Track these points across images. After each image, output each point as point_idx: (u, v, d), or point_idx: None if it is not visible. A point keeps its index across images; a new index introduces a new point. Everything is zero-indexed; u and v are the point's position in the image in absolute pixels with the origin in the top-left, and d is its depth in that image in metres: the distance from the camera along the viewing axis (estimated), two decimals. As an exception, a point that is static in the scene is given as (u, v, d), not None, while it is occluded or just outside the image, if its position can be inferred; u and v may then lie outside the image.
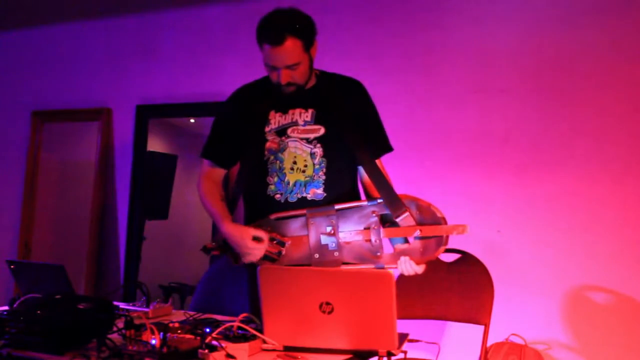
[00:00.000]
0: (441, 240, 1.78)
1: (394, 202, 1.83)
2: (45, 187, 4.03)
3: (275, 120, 1.99)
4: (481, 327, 2.35)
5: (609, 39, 2.73)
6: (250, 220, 2.00)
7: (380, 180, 1.89)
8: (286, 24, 1.84)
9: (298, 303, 1.53)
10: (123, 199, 3.77)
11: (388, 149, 2.06)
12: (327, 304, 1.50)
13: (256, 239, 1.85)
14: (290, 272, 1.65)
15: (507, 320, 2.73)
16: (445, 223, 1.77)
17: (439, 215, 1.78)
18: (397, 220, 1.82)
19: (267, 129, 1.99)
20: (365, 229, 1.84)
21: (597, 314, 2.70)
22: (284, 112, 1.99)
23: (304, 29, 1.87)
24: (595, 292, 2.71)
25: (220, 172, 2.11)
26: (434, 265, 2.52)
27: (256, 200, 2.02)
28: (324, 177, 1.95)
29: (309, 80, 1.98)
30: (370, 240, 1.83)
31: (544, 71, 2.83)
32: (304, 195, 1.94)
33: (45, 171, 4.04)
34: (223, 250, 1.96)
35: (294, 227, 1.90)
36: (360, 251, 1.84)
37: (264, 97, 2.01)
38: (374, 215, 1.84)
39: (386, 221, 1.87)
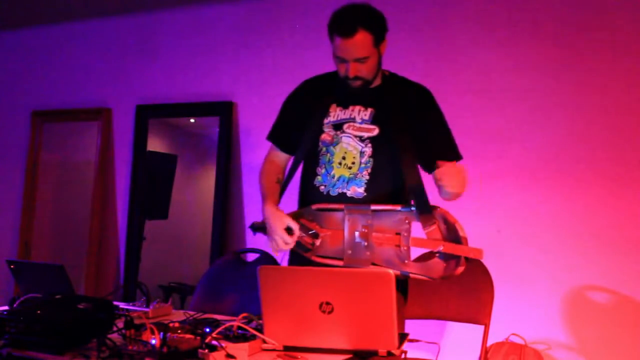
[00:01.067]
0: (459, 261, 1.78)
1: (425, 213, 1.84)
2: (45, 187, 4.03)
3: (335, 113, 2.02)
4: (481, 327, 2.35)
5: (610, 40, 2.73)
6: (299, 206, 2.06)
7: (416, 190, 1.87)
8: (358, 17, 1.86)
9: (298, 303, 1.52)
10: (123, 199, 3.77)
11: (449, 157, 1.95)
12: (327, 303, 1.50)
13: (288, 230, 1.89)
14: (290, 272, 1.65)
15: (507, 320, 2.72)
16: (466, 243, 1.78)
17: (460, 234, 1.78)
18: (425, 231, 1.83)
19: (325, 121, 2.02)
20: (396, 234, 1.85)
21: (597, 314, 2.70)
22: (345, 107, 2.01)
23: (375, 23, 1.89)
24: (595, 292, 2.71)
25: (282, 156, 2.15)
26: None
27: (305, 188, 2.06)
28: (367, 176, 1.96)
29: (375, 77, 1.99)
30: (399, 246, 1.84)
31: (544, 71, 2.82)
32: (344, 191, 1.96)
33: (45, 171, 4.03)
34: (265, 231, 2.00)
35: (334, 220, 1.91)
36: (389, 255, 1.85)
37: (329, 89, 2.03)
38: (407, 222, 1.85)
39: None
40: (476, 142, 2.92)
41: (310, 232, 1.93)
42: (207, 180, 3.59)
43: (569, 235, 2.74)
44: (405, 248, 1.83)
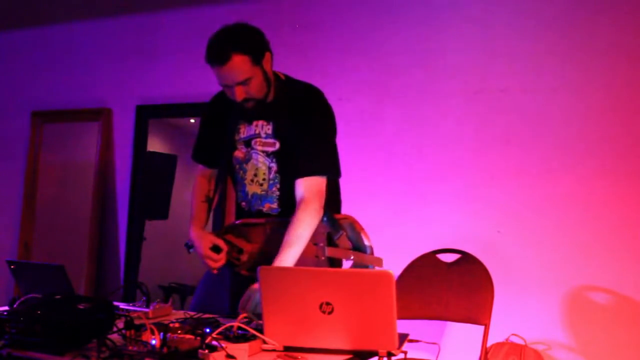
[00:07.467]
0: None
1: (333, 222, 1.91)
2: (45, 187, 4.03)
3: (244, 129, 2.02)
4: (481, 327, 2.35)
5: (609, 39, 2.73)
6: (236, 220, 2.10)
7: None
8: (230, 42, 1.83)
9: (298, 303, 1.52)
10: (123, 199, 3.76)
11: (314, 172, 1.91)
12: (327, 304, 1.50)
13: (214, 248, 1.94)
14: (290, 272, 1.65)
15: (507, 320, 2.72)
16: (372, 252, 1.89)
17: (366, 243, 1.89)
18: (335, 239, 1.91)
19: (237, 138, 2.03)
20: (314, 244, 1.89)
21: (597, 314, 2.70)
22: (249, 123, 2.01)
23: (249, 44, 1.85)
24: (595, 292, 2.71)
25: (210, 171, 2.16)
26: (434, 265, 2.53)
27: (236, 204, 2.10)
28: (277, 192, 1.98)
29: (269, 92, 1.95)
30: (317, 257, 1.89)
31: (543, 71, 2.82)
32: (260, 208, 2.00)
33: (45, 171, 4.03)
34: None
35: (258, 234, 1.97)
36: (310, 266, 1.88)
37: (233, 104, 1.97)
38: (322, 232, 1.91)
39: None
40: (476, 143, 2.92)
41: (235, 248, 1.98)
42: (207, 180, 3.58)
43: (569, 235, 2.74)
44: (323, 258, 1.89)
